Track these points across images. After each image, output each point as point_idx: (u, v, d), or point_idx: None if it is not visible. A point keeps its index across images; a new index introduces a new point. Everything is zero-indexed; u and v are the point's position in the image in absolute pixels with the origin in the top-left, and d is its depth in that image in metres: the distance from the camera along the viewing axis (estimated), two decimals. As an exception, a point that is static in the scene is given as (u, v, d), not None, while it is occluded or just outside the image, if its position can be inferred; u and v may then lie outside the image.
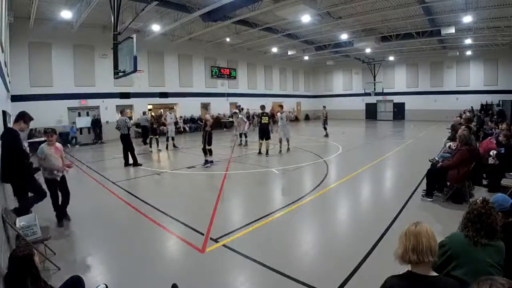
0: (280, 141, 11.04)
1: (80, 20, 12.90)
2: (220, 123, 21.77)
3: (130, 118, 15.97)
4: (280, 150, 10.99)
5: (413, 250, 1.58)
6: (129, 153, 9.26)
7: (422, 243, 1.58)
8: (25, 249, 2.30)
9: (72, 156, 11.84)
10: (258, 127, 11.37)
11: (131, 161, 9.26)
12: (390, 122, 26.96)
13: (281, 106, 11.62)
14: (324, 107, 17.25)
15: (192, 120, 20.90)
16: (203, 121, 10.04)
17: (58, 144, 4.83)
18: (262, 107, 11.30)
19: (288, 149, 11.13)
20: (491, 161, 5.80)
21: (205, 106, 22.54)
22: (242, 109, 20.59)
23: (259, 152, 10.66)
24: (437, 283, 1.58)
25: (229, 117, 21.26)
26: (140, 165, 9.26)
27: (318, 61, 29.58)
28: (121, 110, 10.37)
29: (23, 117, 4.36)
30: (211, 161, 9.01)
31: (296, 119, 30.38)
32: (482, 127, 12.67)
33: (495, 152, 5.87)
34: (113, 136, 13.04)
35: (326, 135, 15.71)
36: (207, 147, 8.89)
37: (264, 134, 10.52)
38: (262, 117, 10.70)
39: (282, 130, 10.95)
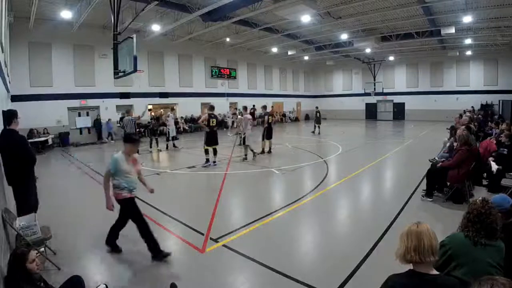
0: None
1: (80, 20, 12.89)
2: (221, 123, 21.74)
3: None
4: (254, 154, 9.90)
5: (415, 250, 1.59)
6: None
7: (424, 243, 1.59)
8: (18, 250, 2.35)
9: (72, 155, 11.81)
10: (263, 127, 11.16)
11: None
12: (390, 122, 26.95)
13: (245, 108, 10.76)
14: (317, 107, 18.63)
15: (192, 120, 20.87)
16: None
17: (135, 155, 3.75)
18: (264, 107, 11.57)
19: (245, 158, 9.71)
20: (494, 167, 5.65)
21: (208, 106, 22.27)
22: (255, 110, 19.88)
23: (262, 152, 10.67)
24: (437, 281, 1.59)
25: (227, 117, 21.22)
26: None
27: (318, 61, 29.57)
28: (127, 110, 10.53)
29: (16, 116, 4.08)
30: (213, 162, 8.95)
31: (296, 119, 30.40)
32: (482, 127, 12.64)
33: (496, 166, 5.71)
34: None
35: (313, 132, 17.05)
36: (205, 147, 8.90)
37: (267, 133, 10.64)
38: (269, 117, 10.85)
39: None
